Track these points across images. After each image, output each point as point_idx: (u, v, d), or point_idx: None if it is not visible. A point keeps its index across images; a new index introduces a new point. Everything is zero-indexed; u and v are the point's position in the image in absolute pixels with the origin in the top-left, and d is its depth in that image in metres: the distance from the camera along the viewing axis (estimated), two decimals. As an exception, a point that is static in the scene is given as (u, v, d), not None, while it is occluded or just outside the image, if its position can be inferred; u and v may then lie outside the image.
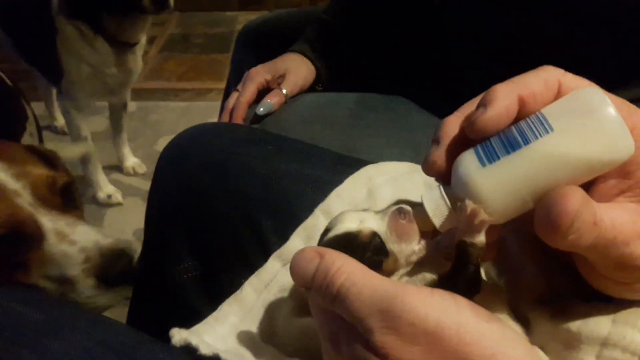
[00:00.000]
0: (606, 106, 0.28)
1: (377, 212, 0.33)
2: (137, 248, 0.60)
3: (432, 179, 0.47)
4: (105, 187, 1.61)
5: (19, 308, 0.34)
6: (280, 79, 0.78)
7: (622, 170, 0.29)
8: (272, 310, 0.40)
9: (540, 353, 0.35)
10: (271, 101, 0.74)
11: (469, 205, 0.30)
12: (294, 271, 0.31)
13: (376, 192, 0.45)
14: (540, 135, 0.29)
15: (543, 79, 0.30)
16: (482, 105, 0.30)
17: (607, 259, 0.28)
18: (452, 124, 0.33)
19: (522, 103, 0.30)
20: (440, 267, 0.33)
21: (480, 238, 0.30)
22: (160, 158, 0.54)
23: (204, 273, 0.48)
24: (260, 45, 0.96)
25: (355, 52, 0.83)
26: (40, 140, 1.14)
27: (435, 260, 0.33)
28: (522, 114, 0.30)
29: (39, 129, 1.14)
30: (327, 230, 0.33)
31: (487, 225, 0.30)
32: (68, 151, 1.31)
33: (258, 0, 2.91)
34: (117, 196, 1.60)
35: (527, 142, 0.29)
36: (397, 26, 0.83)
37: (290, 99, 0.79)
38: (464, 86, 0.73)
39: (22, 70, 1.65)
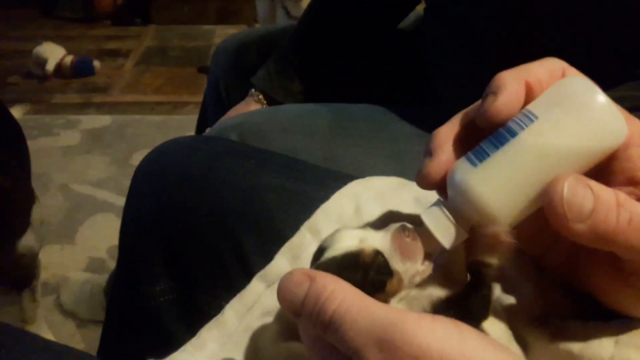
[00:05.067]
0: (592, 92, 0.27)
1: (377, 230, 0.31)
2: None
3: (422, 196, 0.45)
4: None
5: None
6: None
7: (630, 179, 0.28)
8: (256, 335, 0.38)
9: (539, 377, 0.33)
10: None
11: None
12: (281, 296, 0.28)
13: (364, 209, 0.43)
14: (526, 126, 0.28)
15: (548, 67, 0.29)
16: (492, 93, 0.29)
17: None
18: (444, 134, 0.32)
19: (529, 89, 0.29)
20: (442, 287, 0.31)
21: (495, 259, 0.29)
22: (135, 173, 0.51)
23: (181, 295, 0.45)
24: (237, 62, 0.95)
25: (322, 74, 0.84)
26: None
27: (435, 280, 0.31)
28: (528, 102, 0.29)
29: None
30: (321, 250, 0.31)
31: (506, 246, 0.28)
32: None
33: (235, 14, 2.89)
34: None
35: (513, 134, 0.28)
36: (368, 40, 0.84)
37: (270, 108, 0.78)
38: (442, 91, 0.74)
39: None
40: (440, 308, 0.30)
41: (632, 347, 0.31)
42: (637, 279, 0.28)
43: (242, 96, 0.87)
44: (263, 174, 0.46)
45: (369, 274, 0.29)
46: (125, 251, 0.50)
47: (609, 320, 0.32)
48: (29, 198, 1.02)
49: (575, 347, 0.32)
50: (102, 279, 1.29)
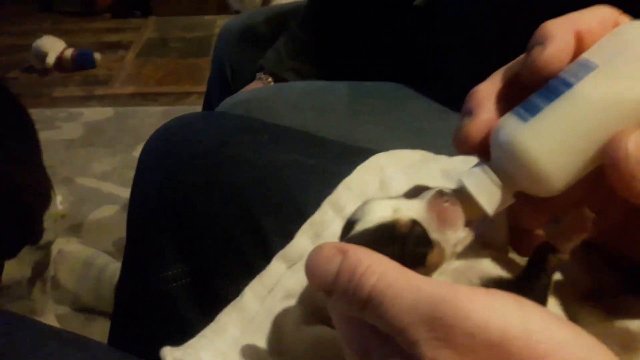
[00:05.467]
0: None
1: (410, 199, 0.28)
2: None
3: (450, 168, 0.42)
4: None
5: None
6: None
7: None
8: (278, 319, 0.35)
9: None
10: None
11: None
12: (310, 273, 0.25)
13: (389, 183, 0.40)
14: (584, 76, 0.25)
15: (599, 16, 0.26)
16: (538, 43, 0.26)
17: None
18: (485, 91, 0.28)
19: (579, 39, 0.26)
20: (494, 262, 0.29)
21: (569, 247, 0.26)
22: (142, 152, 0.48)
23: (195, 279, 0.42)
24: (242, 44, 0.92)
25: (335, 55, 0.81)
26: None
27: (478, 251, 0.28)
28: (578, 53, 0.26)
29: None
30: (351, 222, 0.28)
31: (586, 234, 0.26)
32: None
33: (236, 4, 2.85)
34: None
35: (569, 86, 0.25)
36: (379, 19, 0.81)
37: (277, 85, 0.75)
38: (455, 69, 0.71)
39: None
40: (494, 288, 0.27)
41: (696, 322, 0.28)
42: None
43: (250, 77, 0.84)
44: (279, 150, 0.43)
45: (407, 246, 0.26)
46: (134, 235, 0.47)
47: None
48: (43, 199, 0.99)
49: (633, 324, 0.29)
50: (105, 259, 1.26)
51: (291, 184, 0.40)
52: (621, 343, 0.29)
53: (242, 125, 0.46)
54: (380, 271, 0.23)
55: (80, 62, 2.28)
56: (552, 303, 0.29)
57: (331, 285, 0.25)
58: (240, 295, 0.36)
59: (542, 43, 0.26)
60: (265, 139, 0.44)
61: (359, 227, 0.27)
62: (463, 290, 0.22)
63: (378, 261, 0.24)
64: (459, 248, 0.27)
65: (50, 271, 1.12)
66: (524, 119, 0.26)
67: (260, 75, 0.83)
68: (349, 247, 0.25)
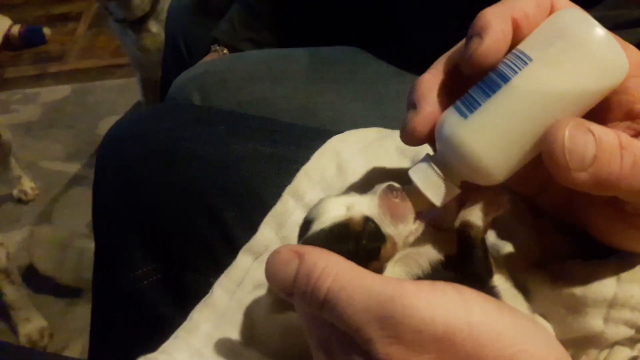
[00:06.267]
0: (589, 26, 0.25)
1: (363, 194, 0.29)
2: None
3: (405, 145, 0.43)
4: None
5: None
6: None
7: (628, 112, 0.26)
8: (249, 311, 0.36)
9: (542, 321, 0.32)
10: None
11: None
12: (270, 276, 0.27)
13: (346, 166, 0.40)
14: (519, 69, 0.26)
15: (535, 0, 0.27)
16: (476, 35, 0.27)
17: None
18: (428, 83, 0.29)
19: (515, 27, 0.27)
20: (436, 246, 0.30)
21: (480, 220, 0.27)
22: (98, 153, 0.48)
23: (166, 275, 0.43)
24: (196, 15, 0.89)
25: (289, 19, 0.79)
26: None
27: (429, 236, 0.30)
28: (516, 40, 0.27)
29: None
30: (307, 222, 0.29)
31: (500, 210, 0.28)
32: None
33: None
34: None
35: (505, 80, 0.26)
36: None
37: (233, 55, 0.74)
38: (415, 29, 0.71)
39: None
40: (441, 270, 0.29)
41: (635, 282, 0.30)
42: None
43: (207, 50, 0.82)
44: (236, 141, 0.43)
45: (361, 242, 0.28)
46: (101, 240, 0.47)
47: (609, 256, 0.31)
48: None
49: (578, 289, 0.31)
50: (83, 241, 1.25)
51: (250, 175, 0.41)
52: (568, 307, 0.31)
53: (195, 117, 0.46)
54: (335, 273, 0.25)
55: (30, 39, 2.18)
56: (500, 276, 0.31)
57: (290, 288, 0.26)
58: (210, 291, 0.37)
59: (479, 34, 0.27)
60: (220, 131, 0.44)
61: (315, 227, 0.28)
62: (410, 288, 0.23)
63: (332, 263, 0.25)
64: (411, 238, 0.29)
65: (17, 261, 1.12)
66: (463, 115, 0.27)
67: (215, 47, 0.81)
68: (306, 249, 0.26)
